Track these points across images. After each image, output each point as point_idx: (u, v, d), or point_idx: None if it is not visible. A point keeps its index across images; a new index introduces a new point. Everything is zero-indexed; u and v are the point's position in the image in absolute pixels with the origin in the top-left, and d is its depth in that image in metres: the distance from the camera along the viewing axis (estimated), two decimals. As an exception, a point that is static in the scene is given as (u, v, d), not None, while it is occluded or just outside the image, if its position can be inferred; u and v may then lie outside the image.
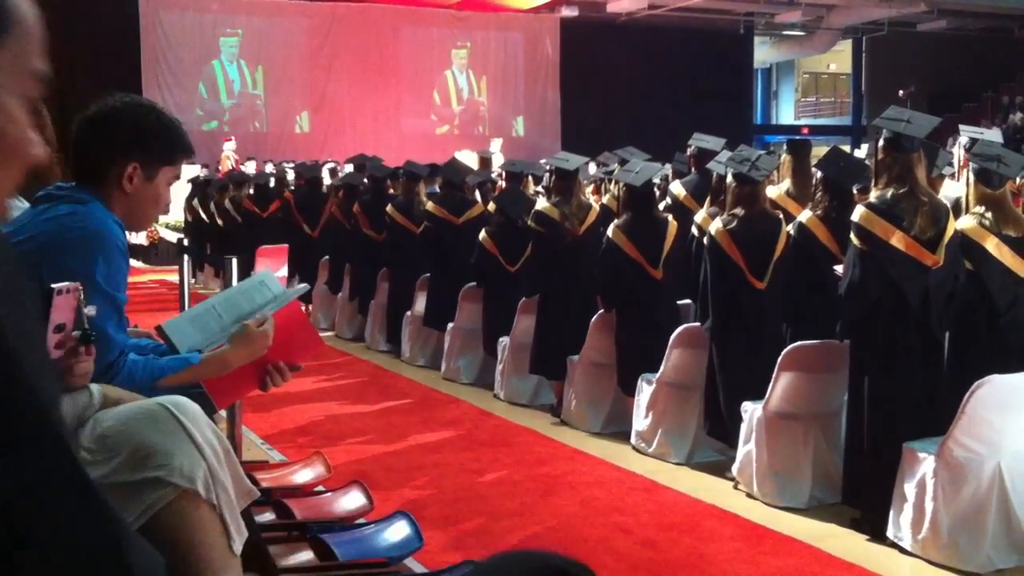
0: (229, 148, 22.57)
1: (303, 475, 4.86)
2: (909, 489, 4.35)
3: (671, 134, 15.69)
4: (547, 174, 8.03)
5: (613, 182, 8.43)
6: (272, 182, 13.66)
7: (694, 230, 6.34)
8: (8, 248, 0.94)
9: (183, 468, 2.11)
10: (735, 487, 5.34)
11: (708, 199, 6.45)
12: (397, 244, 9.24)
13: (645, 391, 6.04)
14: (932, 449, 4.27)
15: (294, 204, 11.82)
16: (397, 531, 4.02)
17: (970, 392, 4.13)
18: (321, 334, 10.21)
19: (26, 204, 2.73)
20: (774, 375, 4.98)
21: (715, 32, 28.82)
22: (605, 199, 8.47)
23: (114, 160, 2.55)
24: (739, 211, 5.49)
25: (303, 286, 3.22)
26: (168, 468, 2.10)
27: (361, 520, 4.25)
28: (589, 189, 9.60)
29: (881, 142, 4.67)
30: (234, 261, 4.59)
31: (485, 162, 12.53)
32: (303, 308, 2.97)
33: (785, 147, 6.79)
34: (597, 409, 6.59)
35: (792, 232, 5.42)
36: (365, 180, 10.58)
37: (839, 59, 34.86)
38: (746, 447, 5.21)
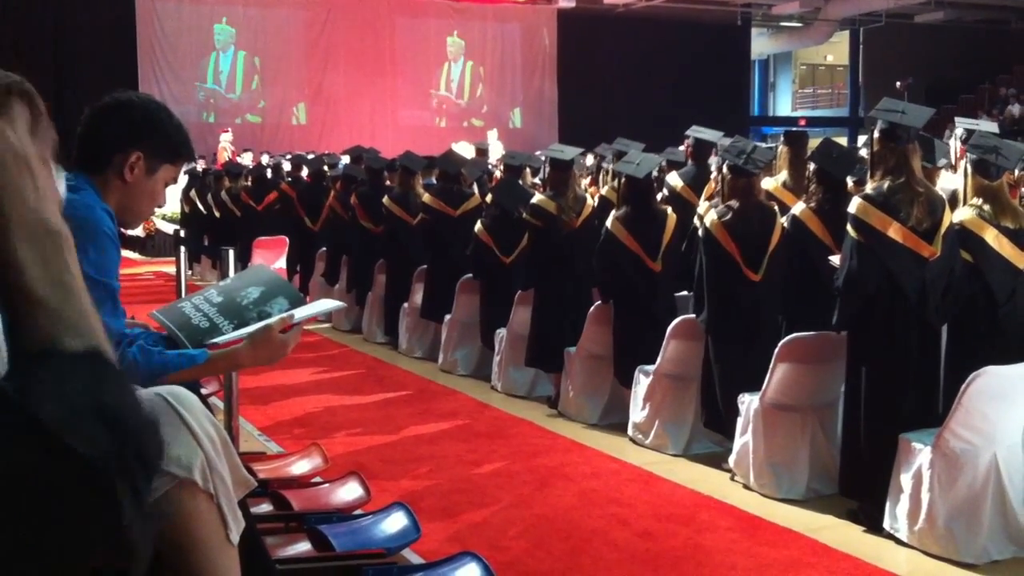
0: (226, 139, 22.57)
1: (300, 466, 4.87)
2: (905, 480, 4.36)
3: (668, 125, 15.70)
4: (544, 166, 8.02)
5: (612, 174, 8.42)
6: (269, 174, 13.64)
7: (696, 221, 6.32)
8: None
9: (180, 458, 2.11)
10: (732, 478, 5.35)
11: (706, 190, 6.44)
12: (394, 236, 9.23)
13: (642, 383, 6.05)
14: (928, 440, 4.28)
15: (296, 197, 11.80)
16: (394, 522, 4.03)
17: (966, 383, 4.13)
18: (318, 326, 10.22)
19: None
20: (771, 367, 4.99)
21: (712, 23, 28.81)
22: (604, 191, 8.46)
23: (119, 148, 2.57)
24: (734, 203, 5.49)
25: (340, 303, 3.23)
26: (165, 458, 2.10)
27: (358, 511, 4.26)
28: (586, 181, 9.60)
29: (876, 133, 4.67)
30: (231, 252, 4.59)
31: (482, 153, 12.51)
32: (304, 298, 2.94)
33: (782, 139, 6.77)
34: (594, 401, 6.59)
35: (785, 224, 5.42)
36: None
37: (836, 50, 34.87)
38: (743, 438, 5.21)
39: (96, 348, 0.96)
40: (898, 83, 23.27)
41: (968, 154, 4.86)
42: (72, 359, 0.94)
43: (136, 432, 0.92)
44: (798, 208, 5.40)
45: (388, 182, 10.04)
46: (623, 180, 6.44)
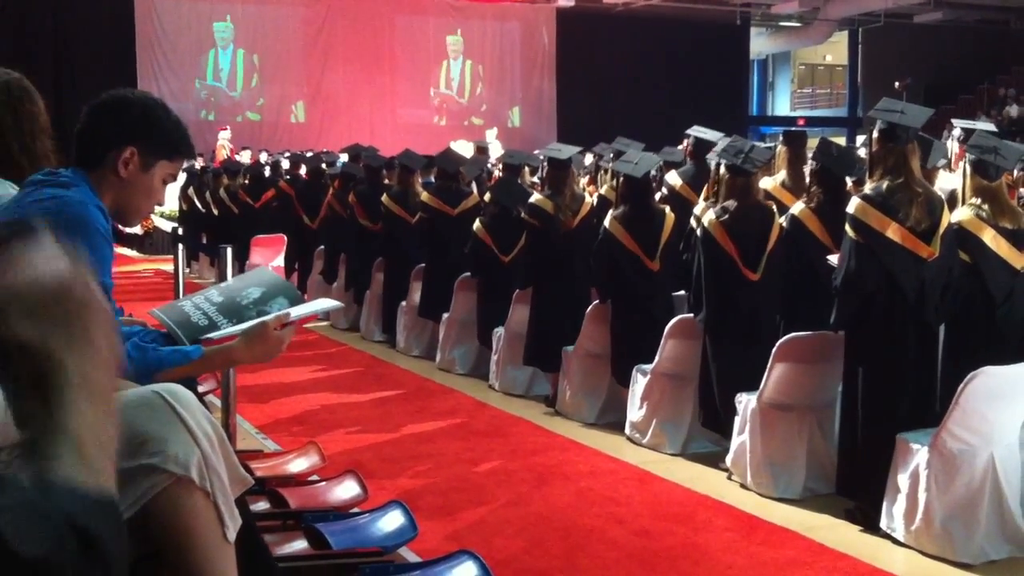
0: (224, 137, 22.55)
1: (297, 464, 4.86)
2: (902, 480, 4.36)
3: (667, 125, 15.70)
4: (542, 165, 8.02)
5: (610, 173, 8.42)
6: (267, 172, 13.64)
7: (692, 221, 6.32)
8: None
9: (177, 455, 2.11)
10: (729, 478, 5.35)
11: (706, 189, 6.44)
12: (392, 234, 9.23)
13: (640, 382, 6.05)
14: (925, 440, 4.28)
15: (294, 195, 11.80)
16: (391, 520, 4.02)
17: (964, 383, 4.14)
18: (316, 324, 10.21)
19: (16, 190, 2.73)
20: (768, 366, 4.99)
21: (711, 22, 28.81)
22: (603, 190, 8.46)
23: (114, 144, 2.56)
24: (732, 203, 5.49)
25: (337, 303, 3.24)
26: (162, 455, 2.10)
27: (355, 509, 4.26)
28: (584, 180, 9.60)
29: (875, 133, 4.67)
30: (229, 250, 4.58)
31: (482, 152, 12.51)
32: (302, 296, 2.95)
33: (781, 138, 6.78)
34: (592, 400, 6.59)
35: (784, 224, 5.42)
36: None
37: (835, 50, 34.86)
38: (740, 438, 5.21)
39: (108, 492, 1.00)
40: (897, 83, 23.29)
41: (967, 154, 4.86)
42: (71, 487, 0.96)
43: (111, 559, 0.93)
44: (797, 208, 5.39)
45: (387, 180, 10.04)
46: (621, 179, 6.44)
